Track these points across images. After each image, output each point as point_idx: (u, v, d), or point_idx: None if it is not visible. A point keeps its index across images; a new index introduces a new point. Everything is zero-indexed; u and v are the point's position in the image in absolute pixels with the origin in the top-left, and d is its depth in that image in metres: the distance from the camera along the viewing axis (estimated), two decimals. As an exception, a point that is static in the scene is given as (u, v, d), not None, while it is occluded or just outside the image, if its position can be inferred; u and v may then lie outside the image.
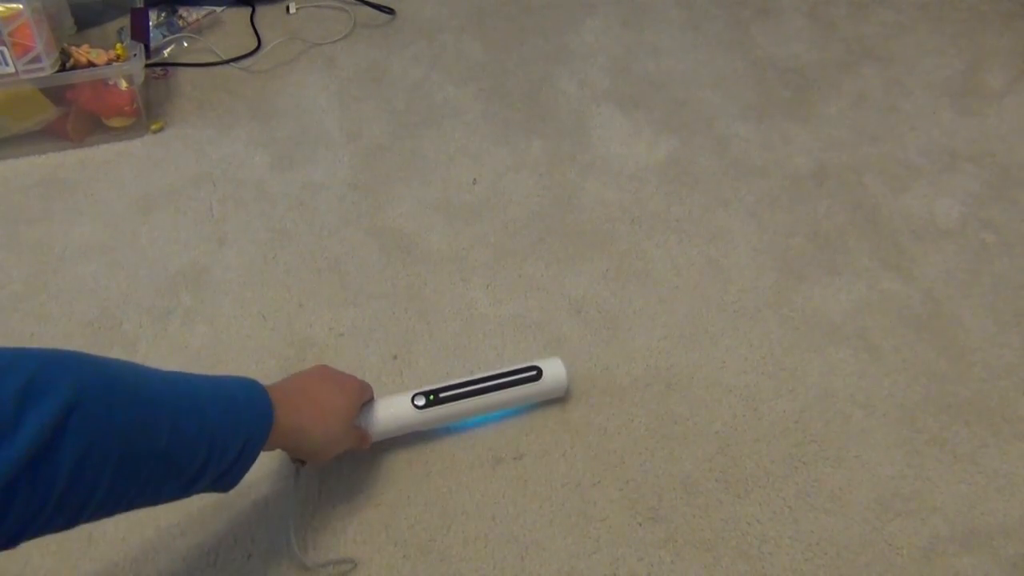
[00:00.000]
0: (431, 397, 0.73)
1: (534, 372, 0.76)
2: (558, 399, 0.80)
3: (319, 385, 0.65)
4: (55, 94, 1.01)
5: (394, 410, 0.73)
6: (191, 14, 1.26)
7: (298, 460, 0.68)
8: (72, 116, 1.04)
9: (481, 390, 0.75)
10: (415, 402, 0.73)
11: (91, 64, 1.02)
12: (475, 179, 1.04)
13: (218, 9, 1.29)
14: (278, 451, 0.66)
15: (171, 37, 1.22)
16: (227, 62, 1.20)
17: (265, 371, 0.82)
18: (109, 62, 1.04)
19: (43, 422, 0.40)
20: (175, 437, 0.48)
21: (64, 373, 0.42)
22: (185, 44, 1.23)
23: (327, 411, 0.64)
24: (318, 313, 0.88)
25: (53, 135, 1.05)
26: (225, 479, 0.54)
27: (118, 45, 1.06)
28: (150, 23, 1.18)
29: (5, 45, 0.94)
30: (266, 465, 0.74)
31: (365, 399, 0.71)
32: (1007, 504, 0.74)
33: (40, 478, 0.40)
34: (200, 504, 0.71)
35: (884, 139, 1.11)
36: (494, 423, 0.78)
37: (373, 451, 0.74)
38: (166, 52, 1.21)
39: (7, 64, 0.95)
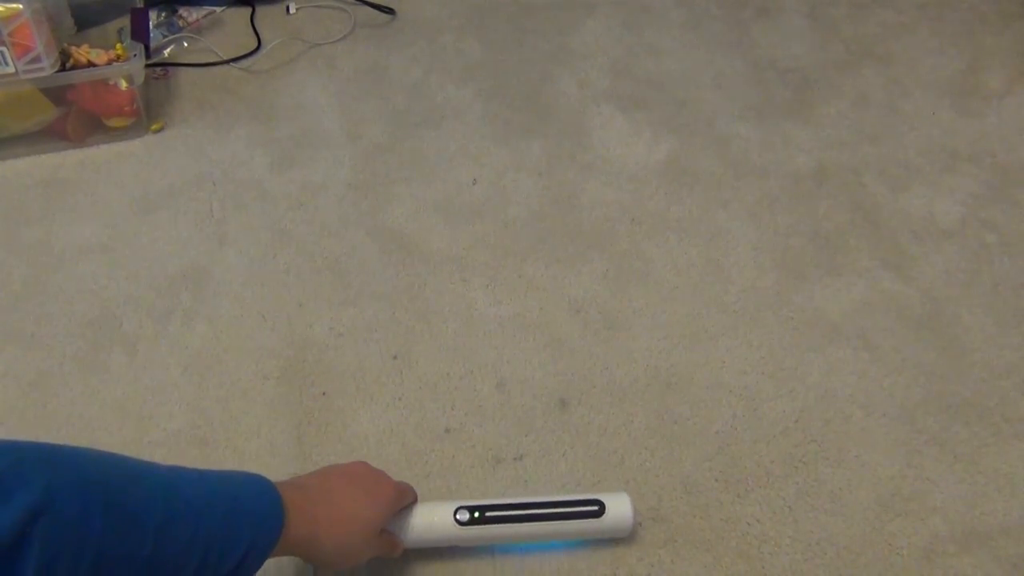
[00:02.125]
0: (476, 514, 0.66)
1: (596, 508, 0.68)
2: (621, 538, 0.71)
3: (346, 489, 0.59)
4: (55, 94, 1.01)
5: (432, 520, 0.66)
6: (191, 14, 1.26)
7: None
8: (72, 116, 1.03)
9: (533, 516, 0.67)
10: (457, 516, 0.66)
11: (91, 64, 1.02)
12: (475, 179, 1.04)
13: (218, 9, 1.29)
14: None
15: (171, 37, 1.22)
16: (227, 62, 1.20)
17: (265, 371, 0.82)
18: (109, 62, 1.04)
19: (4, 526, 0.37)
20: (162, 542, 0.44)
21: (36, 472, 0.39)
22: (185, 44, 1.23)
23: (347, 520, 0.57)
24: (318, 313, 0.88)
25: (53, 135, 1.05)
26: None
27: (118, 45, 1.06)
28: (150, 23, 1.18)
29: (5, 45, 0.94)
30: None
31: (402, 505, 0.65)
32: (1007, 504, 0.74)
33: None
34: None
35: (884, 139, 1.11)
36: (542, 552, 0.70)
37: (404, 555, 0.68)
38: (166, 52, 1.21)
39: (7, 64, 0.95)
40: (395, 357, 0.84)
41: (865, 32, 1.30)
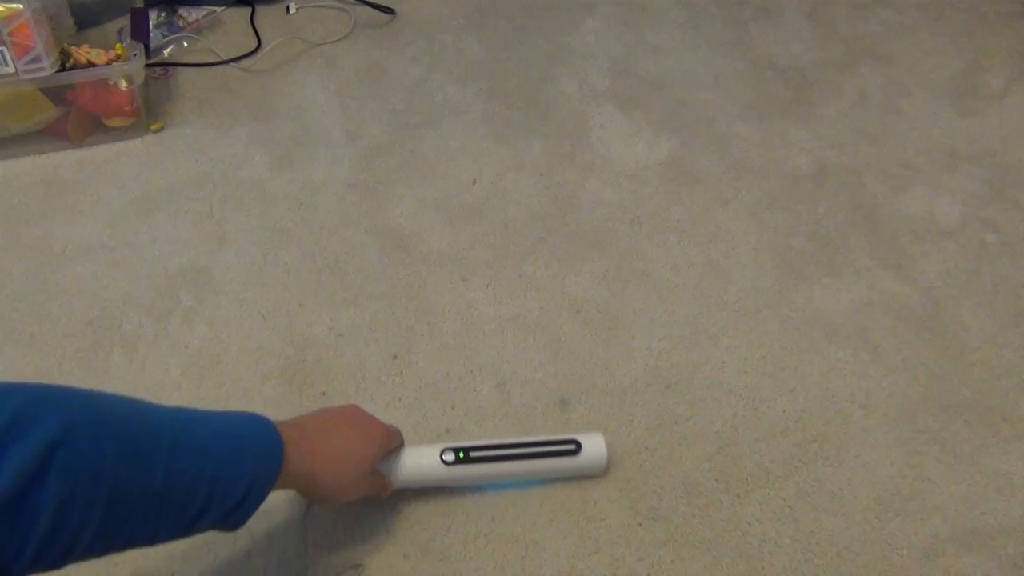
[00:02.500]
0: (461, 454, 0.70)
1: (573, 446, 0.72)
2: (596, 476, 0.75)
3: (340, 428, 0.62)
4: (55, 94, 1.01)
5: (420, 462, 0.70)
6: (191, 14, 1.26)
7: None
8: (72, 116, 1.03)
9: (514, 455, 0.71)
10: (443, 457, 0.69)
11: (91, 64, 1.02)
12: (475, 179, 1.04)
13: (218, 9, 1.29)
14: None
15: (171, 37, 1.22)
16: (227, 62, 1.20)
17: (265, 371, 0.82)
18: (109, 62, 1.04)
19: (24, 459, 0.38)
20: (172, 476, 0.46)
21: (51, 409, 0.41)
22: (185, 44, 1.23)
23: (343, 457, 0.61)
24: (318, 313, 0.88)
25: (53, 135, 1.05)
26: (230, 520, 0.52)
27: (118, 45, 1.06)
28: (150, 23, 1.18)
29: (5, 45, 0.94)
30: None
31: (392, 446, 0.68)
32: (1007, 504, 0.74)
33: (21, 517, 0.39)
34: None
35: (884, 139, 1.11)
36: (523, 489, 0.74)
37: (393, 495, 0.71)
38: (166, 52, 1.21)
39: (7, 64, 0.95)
40: (395, 357, 0.84)
41: (865, 32, 1.30)
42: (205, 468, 0.48)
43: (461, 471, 0.70)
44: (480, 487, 0.73)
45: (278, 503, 0.71)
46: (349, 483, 0.62)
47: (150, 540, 0.48)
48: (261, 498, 0.53)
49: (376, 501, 0.71)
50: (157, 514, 0.46)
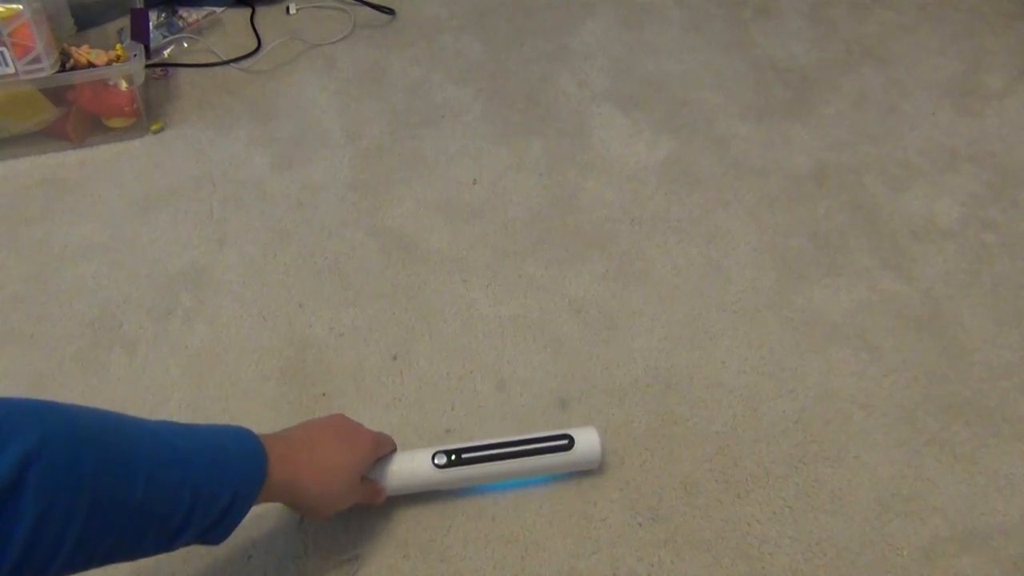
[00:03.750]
0: (453, 457, 0.69)
1: (565, 441, 0.71)
2: (591, 469, 0.74)
3: (325, 438, 0.62)
4: (55, 94, 1.01)
5: (412, 466, 0.69)
6: (191, 15, 1.26)
7: None
8: (72, 116, 1.04)
9: (507, 454, 0.70)
10: (435, 460, 0.69)
11: (91, 64, 1.02)
12: (475, 179, 1.04)
13: (218, 10, 1.29)
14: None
15: (171, 37, 1.22)
16: (227, 62, 1.20)
17: (265, 371, 0.82)
18: (109, 62, 1.04)
19: (0, 473, 0.38)
20: (152, 489, 0.45)
21: (28, 422, 0.40)
22: (185, 44, 1.23)
23: (329, 466, 0.60)
24: (318, 313, 0.88)
25: (53, 135, 1.05)
26: (213, 533, 0.51)
27: (118, 45, 1.06)
28: (150, 23, 1.18)
29: (5, 45, 0.94)
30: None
31: (381, 453, 0.68)
32: (1007, 504, 0.74)
33: None
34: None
35: (884, 139, 1.11)
36: (519, 489, 0.74)
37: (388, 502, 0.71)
38: (166, 52, 1.21)
39: (7, 64, 0.95)
40: (395, 357, 0.84)
41: (865, 32, 1.30)
42: (187, 479, 0.48)
43: (454, 473, 0.69)
44: (476, 488, 0.73)
45: (277, 505, 0.71)
46: (336, 493, 0.61)
47: (132, 554, 0.47)
48: (245, 510, 0.52)
49: (371, 508, 0.70)
50: (138, 527, 0.46)
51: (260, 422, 0.78)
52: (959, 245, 0.97)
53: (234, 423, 0.77)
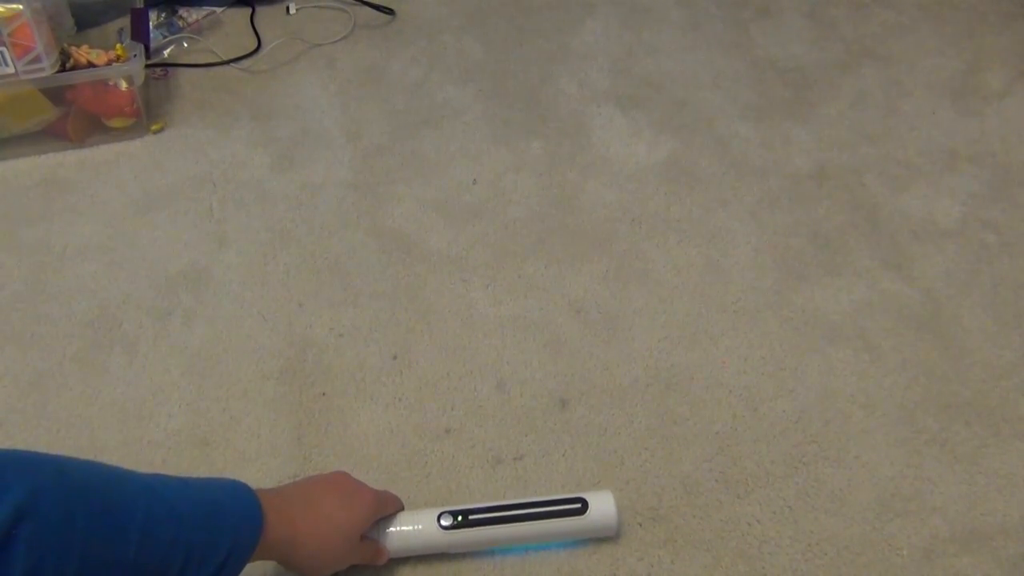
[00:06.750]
0: (459, 518, 0.66)
1: (579, 505, 0.68)
2: (607, 536, 0.70)
3: (324, 495, 0.60)
4: (55, 94, 1.01)
5: (416, 526, 0.66)
6: (191, 14, 1.26)
7: None
8: (72, 116, 1.04)
9: (517, 517, 0.67)
10: (441, 521, 0.66)
11: (91, 64, 1.02)
12: (475, 179, 1.04)
13: (218, 9, 1.29)
14: None
15: (171, 37, 1.22)
16: (227, 62, 1.20)
17: (265, 371, 0.82)
18: (109, 62, 1.04)
19: None
20: (146, 546, 0.44)
21: (19, 476, 0.40)
22: (185, 44, 1.23)
23: (327, 525, 0.58)
24: (318, 313, 0.88)
25: (53, 135, 1.05)
26: None
27: (118, 45, 1.06)
28: (150, 23, 1.18)
29: (5, 45, 0.94)
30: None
31: (384, 513, 0.66)
32: (1007, 504, 0.74)
33: None
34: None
35: (884, 139, 1.11)
36: (530, 554, 0.70)
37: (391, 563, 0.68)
38: (166, 52, 1.21)
39: (7, 64, 0.95)
40: (395, 357, 0.84)
41: (865, 32, 1.30)
42: (181, 535, 0.47)
43: (460, 536, 0.66)
44: (483, 552, 0.69)
45: (272, 564, 0.68)
46: (333, 553, 0.59)
47: None
48: (240, 567, 0.51)
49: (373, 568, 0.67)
50: None
51: (260, 422, 0.78)
52: (959, 245, 0.97)
53: (234, 423, 0.78)
